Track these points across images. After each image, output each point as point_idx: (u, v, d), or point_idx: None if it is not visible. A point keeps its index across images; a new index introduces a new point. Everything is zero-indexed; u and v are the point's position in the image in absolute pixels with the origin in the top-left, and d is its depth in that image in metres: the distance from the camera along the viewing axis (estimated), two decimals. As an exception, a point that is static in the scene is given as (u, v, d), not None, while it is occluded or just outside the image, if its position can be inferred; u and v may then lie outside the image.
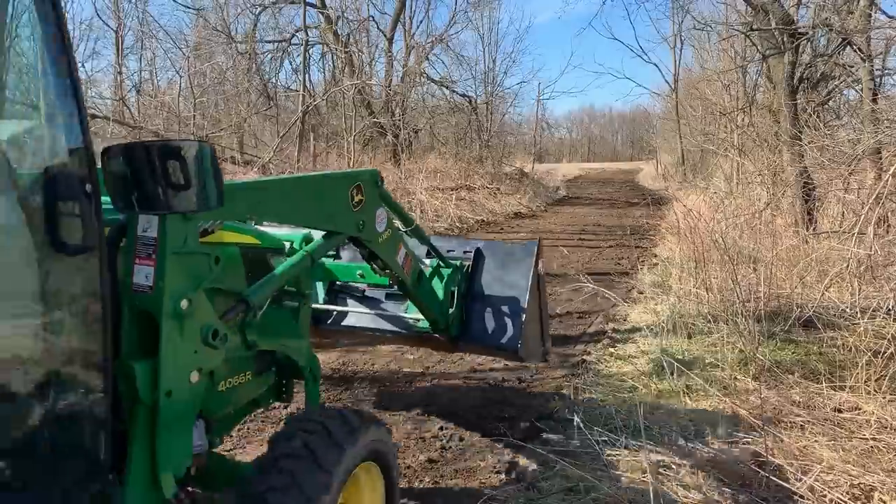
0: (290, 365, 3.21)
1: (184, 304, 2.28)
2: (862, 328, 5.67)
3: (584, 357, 6.65)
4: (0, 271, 1.79)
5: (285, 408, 4.69)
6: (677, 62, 34.36)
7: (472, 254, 4.55)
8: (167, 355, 2.23)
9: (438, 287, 4.23)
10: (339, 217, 3.27)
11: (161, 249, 2.21)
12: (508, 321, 4.36)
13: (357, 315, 4.61)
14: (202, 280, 2.41)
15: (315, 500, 2.39)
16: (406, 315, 4.46)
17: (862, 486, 3.63)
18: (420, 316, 4.28)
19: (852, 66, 11.34)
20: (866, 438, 4.23)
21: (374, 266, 3.73)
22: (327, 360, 6.17)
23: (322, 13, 22.67)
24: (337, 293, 4.74)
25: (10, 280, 1.82)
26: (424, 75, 23.57)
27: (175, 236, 2.24)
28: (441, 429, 4.83)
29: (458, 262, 4.42)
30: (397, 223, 3.81)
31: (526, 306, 4.35)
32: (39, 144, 2.01)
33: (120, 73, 24.73)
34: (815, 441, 4.01)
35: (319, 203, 3.14)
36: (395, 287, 4.19)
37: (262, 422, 4.80)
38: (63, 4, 1.92)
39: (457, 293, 4.35)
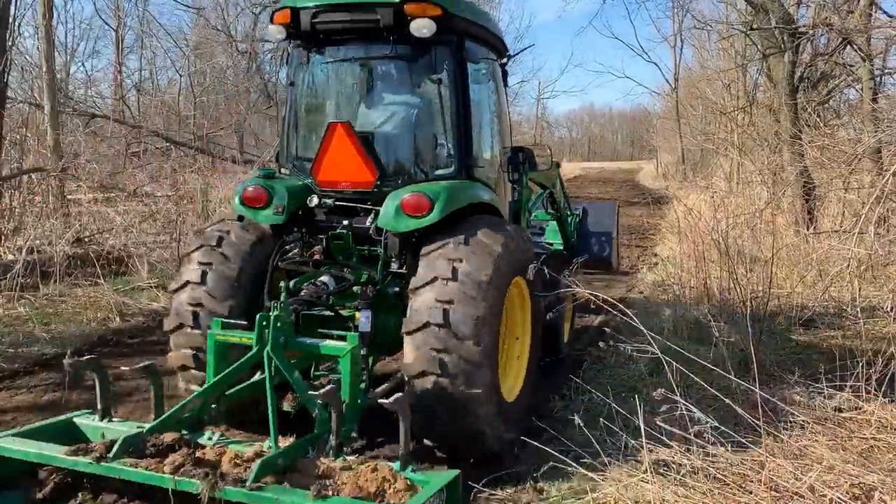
0: None
1: (529, 204, 6.29)
2: (862, 328, 5.66)
3: (585, 357, 6.65)
4: (492, 186, 5.23)
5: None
6: (677, 61, 34.24)
7: (581, 209, 8.36)
8: (521, 221, 5.99)
9: (570, 224, 7.93)
10: (550, 180, 7.16)
11: (520, 184, 5.85)
12: (605, 245, 8.15)
13: None
14: (530, 197, 6.44)
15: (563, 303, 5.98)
16: (544, 241, 7.74)
17: (862, 485, 3.63)
18: (554, 241, 7.80)
19: (852, 66, 11.32)
20: (866, 438, 4.23)
21: (550, 209, 7.45)
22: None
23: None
24: None
25: (496, 189, 5.25)
26: (424, 74, 23.52)
27: (523, 179, 5.94)
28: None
29: (577, 212, 8.23)
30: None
31: (614, 237, 8.25)
32: (500, 145, 5.56)
33: (120, 72, 24.71)
34: (815, 441, 4.00)
35: (547, 173, 6.86)
36: (551, 222, 7.86)
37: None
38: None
39: (576, 230, 8.07)
